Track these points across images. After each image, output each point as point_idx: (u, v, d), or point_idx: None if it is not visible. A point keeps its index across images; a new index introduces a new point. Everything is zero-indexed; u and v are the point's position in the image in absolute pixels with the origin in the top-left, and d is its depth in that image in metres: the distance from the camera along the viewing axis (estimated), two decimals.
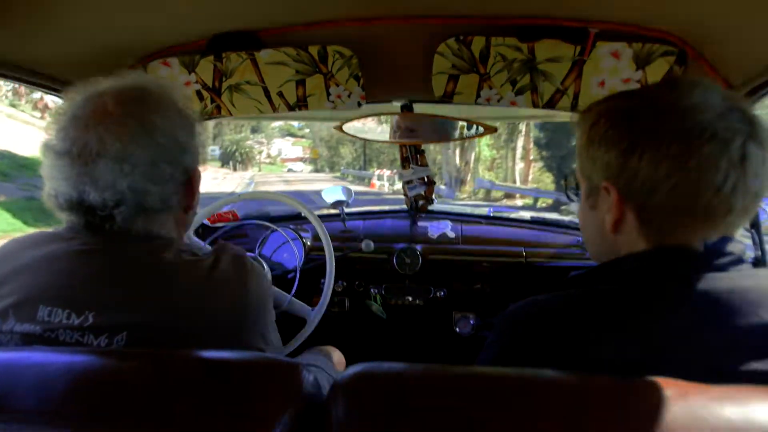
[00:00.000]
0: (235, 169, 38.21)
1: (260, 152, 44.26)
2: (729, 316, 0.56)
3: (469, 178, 20.27)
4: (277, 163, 43.27)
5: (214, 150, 41.57)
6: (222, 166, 39.74)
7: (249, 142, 42.20)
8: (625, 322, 0.58)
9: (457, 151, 19.99)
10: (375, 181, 22.32)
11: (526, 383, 0.53)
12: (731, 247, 0.61)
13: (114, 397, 0.55)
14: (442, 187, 18.55)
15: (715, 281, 0.58)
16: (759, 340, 0.55)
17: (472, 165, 20.67)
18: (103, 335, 0.65)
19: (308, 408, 0.56)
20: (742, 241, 0.63)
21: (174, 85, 0.82)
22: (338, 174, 32.29)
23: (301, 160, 42.42)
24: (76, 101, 0.71)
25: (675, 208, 0.61)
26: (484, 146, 20.74)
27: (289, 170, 39.31)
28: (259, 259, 1.69)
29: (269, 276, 1.60)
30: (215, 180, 27.06)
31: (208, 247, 1.55)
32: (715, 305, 0.57)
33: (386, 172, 22.43)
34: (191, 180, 0.78)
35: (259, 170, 40.42)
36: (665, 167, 0.59)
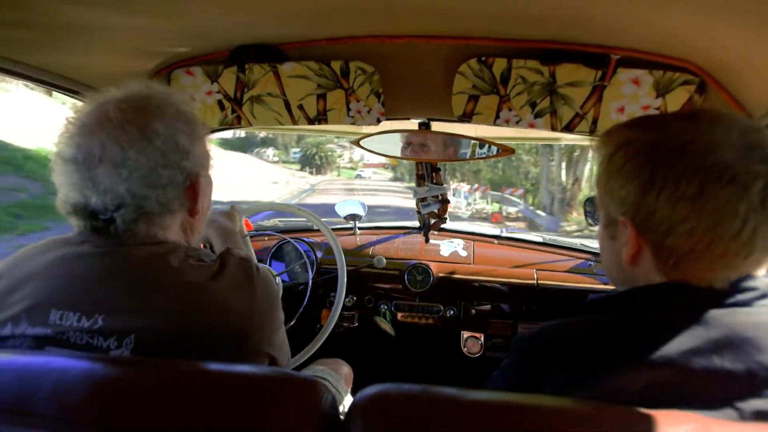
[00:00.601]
0: (312, 173, 37.03)
1: (340, 156, 42.82)
2: (752, 351, 0.55)
3: (578, 201, 14.34)
4: (358, 168, 41.31)
5: (296, 153, 41.21)
6: (301, 168, 38.89)
7: (330, 146, 40.78)
8: (644, 353, 0.57)
9: (563, 164, 15.15)
10: (450, 196, 20.34)
11: (544, 412, 0.53)
12: (756, 282, 0.60)
13: (131, 406, 0.55)
14: (540, 212, 14.90)
15: (738, 316, 0.58)
16: None
17: (584, 183, 14.63)
18: (112, 337, 0.66)
19: (325, 426, 0.55)
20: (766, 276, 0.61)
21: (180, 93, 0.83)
22: (413, 184, 29.77)
23: (383, 166, 40.23)
24: (85, 110, 0.73)
25: (692, 251, 0.59)
26: (592, 158, 14.99)
27: (358, 176, 37.23)
28: (271, 269, 1.70)
29: (281, 286, 1.60)
30: (276, 184, 24.96)
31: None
32: (738, 340, 0.56)
33: (465, 187, 18.90)
34: (195, 185, 0.79)
35: (338, 175, 38.99)
36: (682, 209, 0.58)
